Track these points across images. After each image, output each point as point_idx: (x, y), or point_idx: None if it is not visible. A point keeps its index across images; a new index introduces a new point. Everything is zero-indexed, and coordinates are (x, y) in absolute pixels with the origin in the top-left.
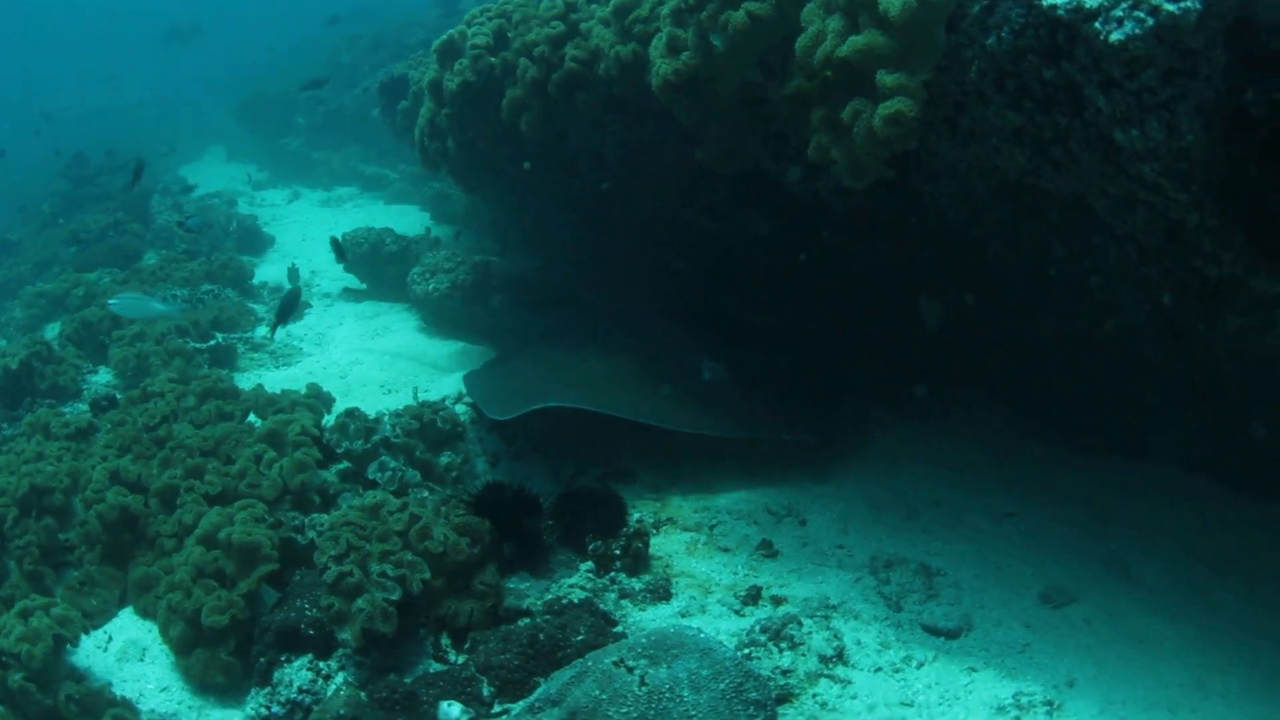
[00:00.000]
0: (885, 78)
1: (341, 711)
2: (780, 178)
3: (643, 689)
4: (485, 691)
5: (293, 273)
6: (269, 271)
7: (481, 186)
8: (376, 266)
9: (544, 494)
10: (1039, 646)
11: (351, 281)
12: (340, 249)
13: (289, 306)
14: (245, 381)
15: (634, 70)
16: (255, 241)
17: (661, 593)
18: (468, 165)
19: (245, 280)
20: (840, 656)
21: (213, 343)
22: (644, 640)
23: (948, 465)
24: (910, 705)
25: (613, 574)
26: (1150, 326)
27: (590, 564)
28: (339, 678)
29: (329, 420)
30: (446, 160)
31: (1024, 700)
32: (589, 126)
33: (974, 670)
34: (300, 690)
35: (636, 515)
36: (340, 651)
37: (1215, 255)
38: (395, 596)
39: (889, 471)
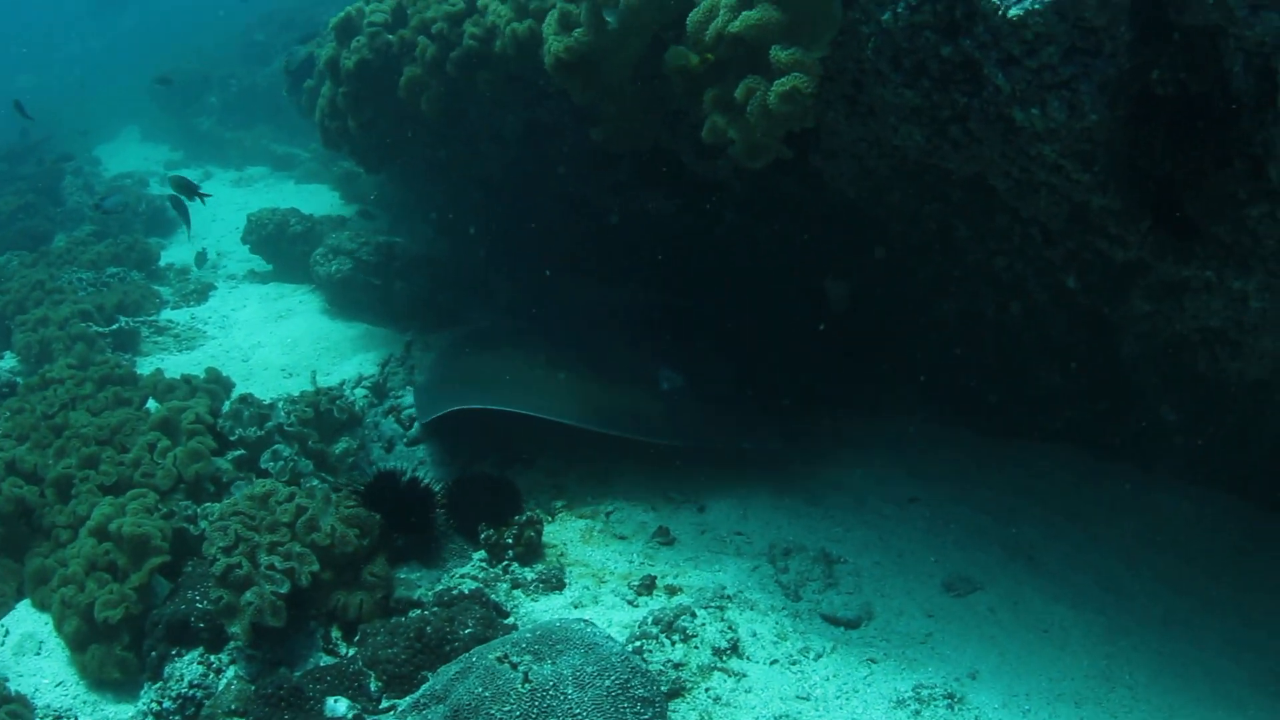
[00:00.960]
0: (780, 54)
1: (233, 706)
2: (681, 156)
3: (526, 686)
4: (373, 686)
5: (200, 256)
6: (177, 253)
7: (384, 166)
8: (281, 247)
9: (439, 480)
10: (941, 636)
11: (258, 263)
12: (183, 192)
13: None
14: (148, 366)
15: (530, 48)
16: (165, 223)
17: (555, 582)
18: (368, 145)
19: (151, 263)
20: (735, 649)
21: (115, 326)
22: (529, 635)
23: (852, 447)
24: (807, 699)
25: (505, 563)
26: (1056, 310)
27: (483, 553)
28: (230, 671)
29: (227, 406)
30: (347, 140)
31: (924, 693)
32: (489, 106)
33: (874, 661)
34: (191, 685)
35: (532, 503)
36: (231, 645)
37: (1121, 238)
38: (284, 590)
39: (791, 456)
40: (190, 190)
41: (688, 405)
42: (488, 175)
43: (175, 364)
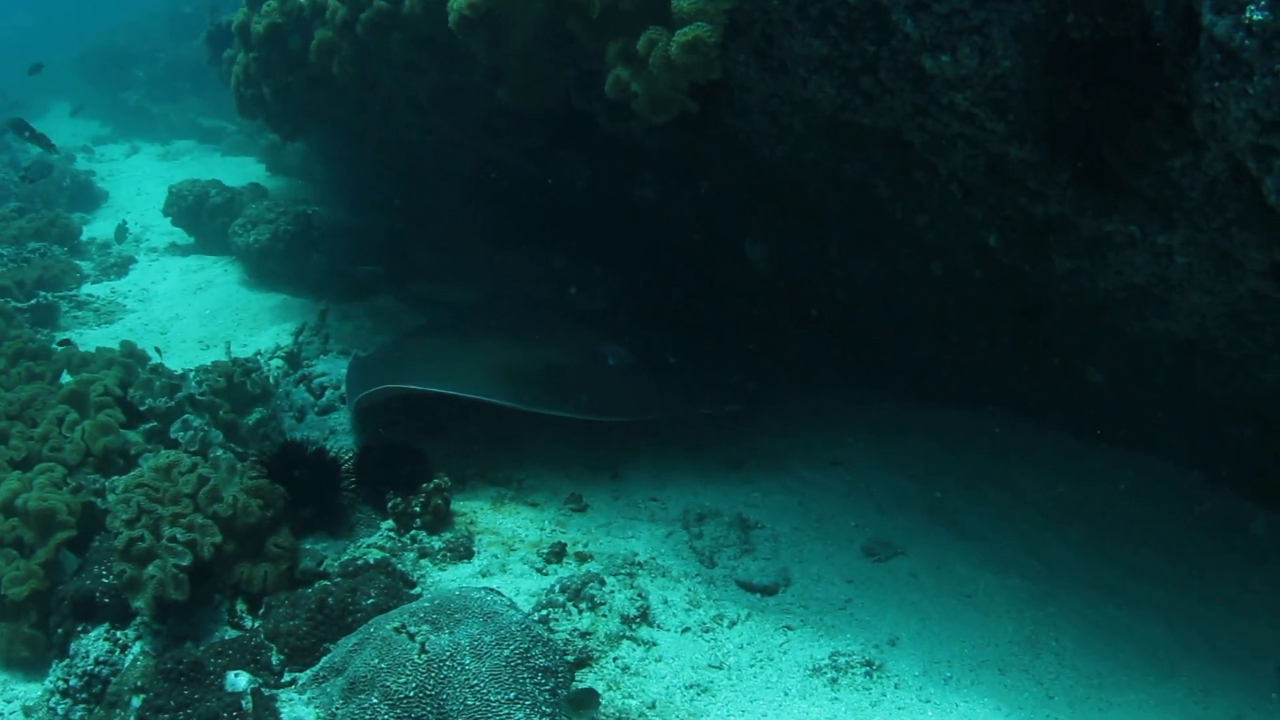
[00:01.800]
0: (682, 3)
1: (139, 683)
2: (596, 118)
3: (422, 657)
4: (274, 659)
5: (120, 230)
6: (100, 228)
7: (300, 134)
8: (202, 219)
9: (350, 450)
10: (860, 602)
11: (179, 236)
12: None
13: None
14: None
15: (438, 7)
16: (89, 197)
17: (463, 551)
18: (283, 113)
19: (73, 237)
20: (645, 617)
21: (34, 301)
22: (427, 604)
23: (770, 410)
24: (720, 668)
25: (413, 532)
26: (978, 269)
27: (391, 522)
28: (136, 647)
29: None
30: (263, 108)
31: (841, 661)
32: (402, 70)
33: (790, 629)
34: (97, 661)
35: (443, 471)
36: (138, 620)
37: (1041, 193)
38: (186, 562)
39: (710, 420)
40: (22, 129)
41: (637, 378)
42: (405, 142)
43: (94, 338)
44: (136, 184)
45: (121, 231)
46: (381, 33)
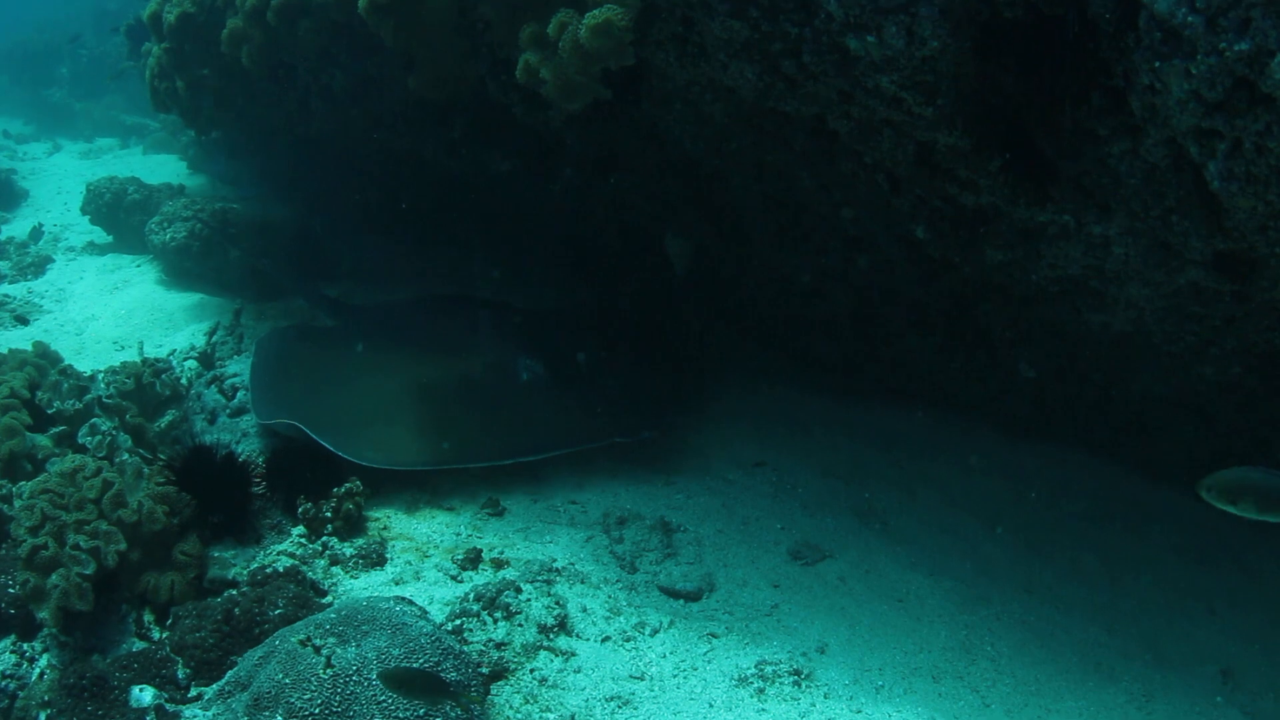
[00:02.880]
0: None
1: (46, 697)
2: (512, 109)
3: (328, 672)
4: (180, 673)
5: (35, 231)
6: (20, 227)
7: (215, 128)
8: (119, 217)
9: (261, 453)
10: (788, 608)
11: (98, 235)
12: None
13: None
14: None
15: None
16: (8, 196)
17: (375, 558)
18: (197, 106)
19: None
20: (563, 625)
21: None
22: (334, 615)
23: (694, 411)
24: (642, 678)
25: (325, 539)
26: (906, 263)
27: (302, 528)
28: (44, 660)
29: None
30: (176, 102)
31: (769, 670)
32: (317, 59)
33: (715, 636)
34: (4, 675)
35: (355, 475)
36: (44, 631)
37: (971, 182)
38: (89, 571)
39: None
40: None
41: (550, 398)
42: (322, 136)
43: (9, 339)
44: (58, 182)
45: (36, 233)
46: (291, 19)
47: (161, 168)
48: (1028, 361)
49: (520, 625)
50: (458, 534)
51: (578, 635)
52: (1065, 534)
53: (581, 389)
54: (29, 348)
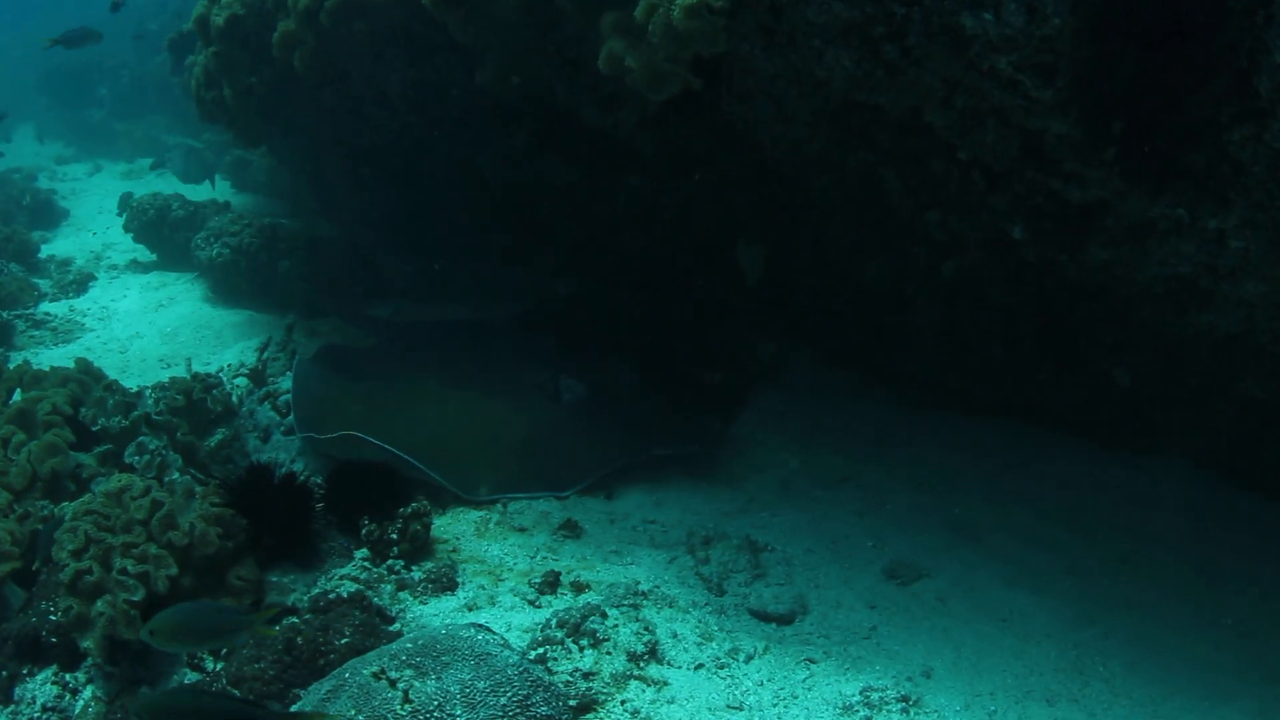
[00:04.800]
0: None
1: None
2: (579, 111)
3: (406, 708)
4: None
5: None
6: (61, 246)
7: (264, 140)
8: (163, 234)
9: (318, 471)
10: (887, 630)
11: (141, 253)
12: None
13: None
14: (20, 361)
15: None
16: (49, 215)
17: (446, 582)
18: (245, 115)
19: (31, 255)
20: (653, 653)
21: None
22: (410, 645)
23: (771, 426)
24: (739, 708)
25: (390, 562)
26: (995, 266)
27: (366, 551)
28: (87, 692)
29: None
30: (224, 112)
31: (874, 696)
32: (371, 63)
33: (813, 662)
34: (45, 708)
35: (421, 493)
36: (88, 661)
37: (1078, 176)
38: (138, 597)
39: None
40: None
41: (591, 419)
42: (375, 146)
43: (51, 358)
44: (99, 201)
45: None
46: (346, 20)
47: (204, 187)
48: (1124, 368)
49: (608, 653)
50: (532, 556)
51: (669, 663)
52: (1162, 547)
53: (623, 406)
54: (71, 365)
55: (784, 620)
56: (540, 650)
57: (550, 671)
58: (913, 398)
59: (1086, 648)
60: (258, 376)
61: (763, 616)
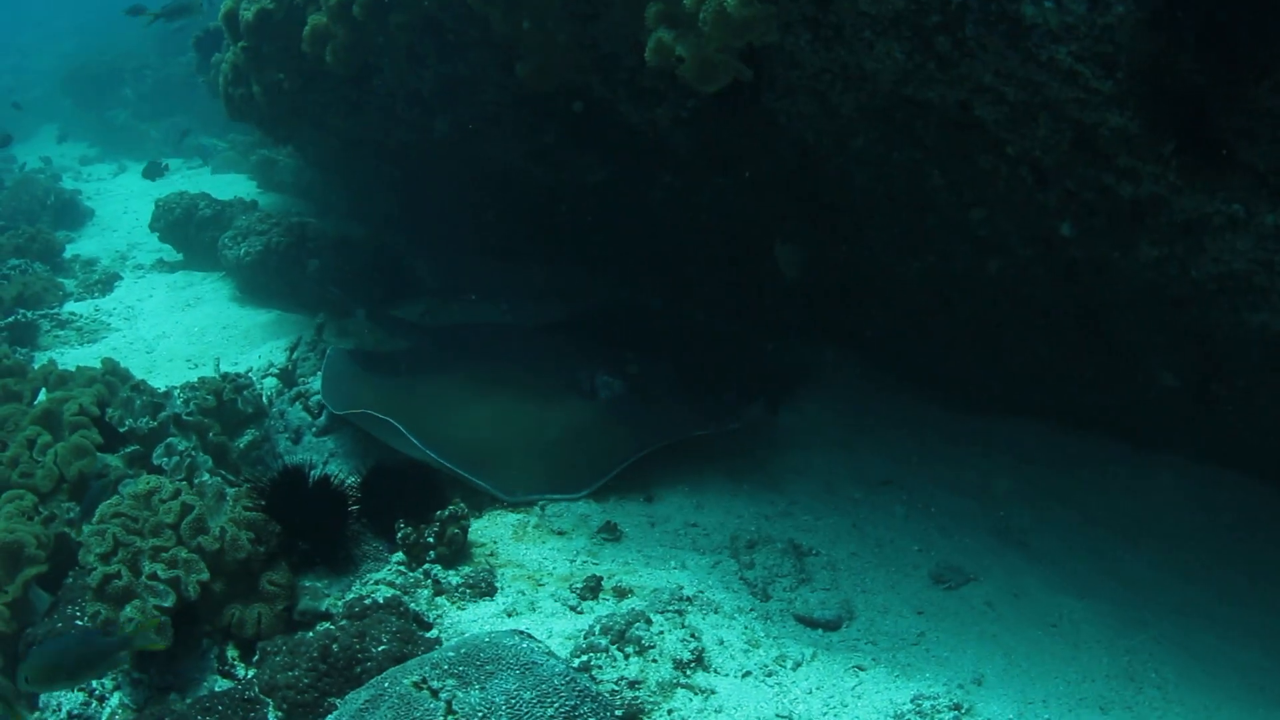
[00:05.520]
0: None
1: None
2: (616, 107)
3: (450, 719)
4: (271, 716)
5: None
6: (85, 245)
7: (293, 137)
8: (190, 233)
9: (352, 473)
10: (935, 636)
11: (167, 252)
12: None
13: None
14: (46, 361)
15: None
16: (74, 215)
17: (484, 587)
18: (275, 112)
19: (56, 255)
20: (700, 660)
21: (11, 320)
22: (452, 654)
23: (810, 428)
24: (789, 717)
25: (426, 566)
26: (1040, 265)
27: (401, 555)
28: (114, 699)
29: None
30: (253, 109)
31: (926, 705)
32: (404, 59)
33: (861, 669)
34: (71, 715)
35: (457, 495)
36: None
37: (1132, 171)
38: (168, 603)
39: (747, 436)
40: None
41: (630, 413)
42: (404, 145)
43: (76, 358)
44: (123, 202)
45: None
46: (380, 13)
47: (230, 187)
48: (1170, 369)
49: (654, 661)
50: (572, 560)
51: (716, 671)
52: (1209, 552)
53: (661, 399)
54: (97, 365)
55: (830, 626)
56: (584, 658)
57: (595, 680)
58: (952, 399)
59: (1139, 654)
60: (288, 376)
61: (809, 622)
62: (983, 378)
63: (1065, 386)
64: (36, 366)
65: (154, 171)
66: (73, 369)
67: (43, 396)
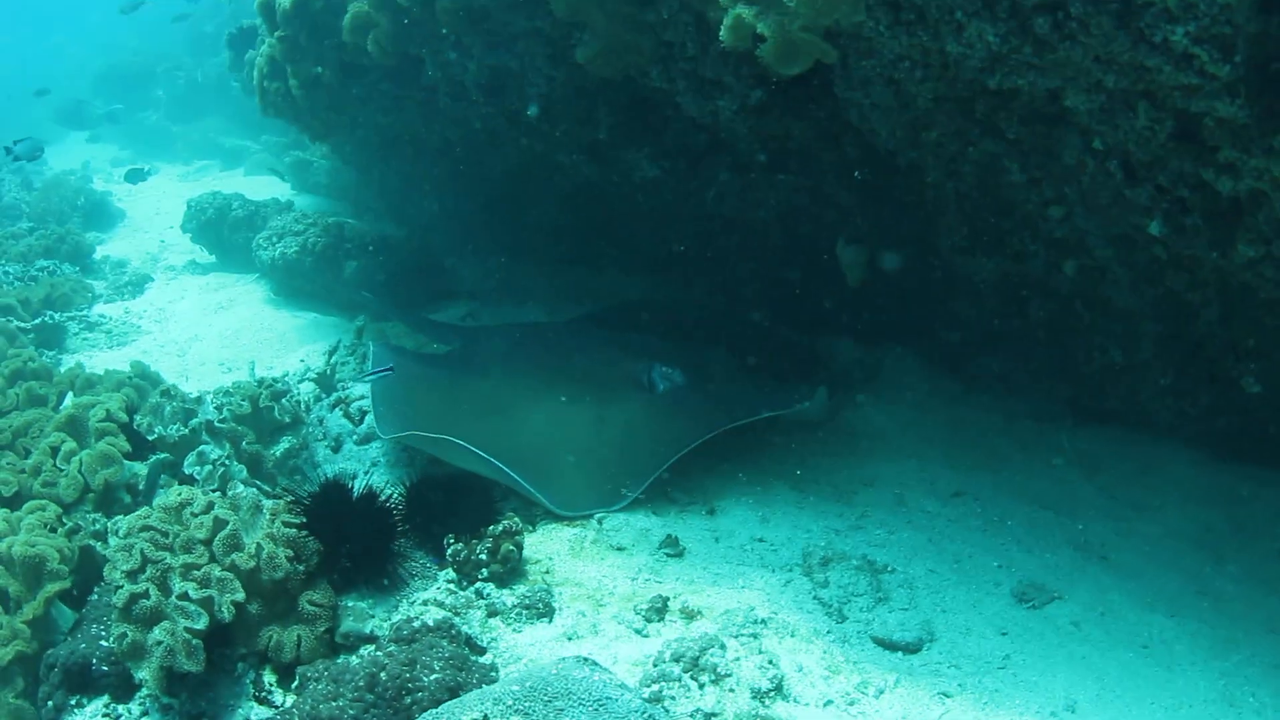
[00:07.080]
0: None
1: None
2: (676, 98)
3: None
4: None
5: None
6: (116, 247)
7: (331, 134)
8: (223, 234)
9: (396, 483)
10: (1022, 660)
11: (200, 254)
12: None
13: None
14: (73, 363)
15: None
16: (105, 217)
17: (541, 608)
18: (312, 107)
19: (85, 255)
20: (779, 689)
21: (39, 321)
22: (516, 688)
23: (875, 435)
24: None
25: (479, 585)
26: (1121, 266)
27: (451, 572)
28: None
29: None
30: (289, 103)
31: None
32: (449, 49)
33: (947, 696)
34: None
35: (509, 507)
36: (142, 693)
37: (1233, 165)
38: (200, 625)
39: (810, 445)
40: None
41: (692, 401)
42: (447, 141)
43: (105, 361)
44: (155, 203)
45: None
46: (426, 0)
47: (264, 189)
48: (1255, 375)
49: (731, 690)
50: (633, 578)
51: (795, 700)
52: None
53: (720, 388)
54: (126, 368)
55: (911, 649)
56: (655, 688)
57: (668, 712)
58: (1020, 405)
59: (1234, 676)
60: (325, 382)
61: (888, 645)
62: (1053, 382)
63: (1139, 391)
64: (63, 369)
65: (135, 176)
66: (100, 372)
67: (69, 402)
